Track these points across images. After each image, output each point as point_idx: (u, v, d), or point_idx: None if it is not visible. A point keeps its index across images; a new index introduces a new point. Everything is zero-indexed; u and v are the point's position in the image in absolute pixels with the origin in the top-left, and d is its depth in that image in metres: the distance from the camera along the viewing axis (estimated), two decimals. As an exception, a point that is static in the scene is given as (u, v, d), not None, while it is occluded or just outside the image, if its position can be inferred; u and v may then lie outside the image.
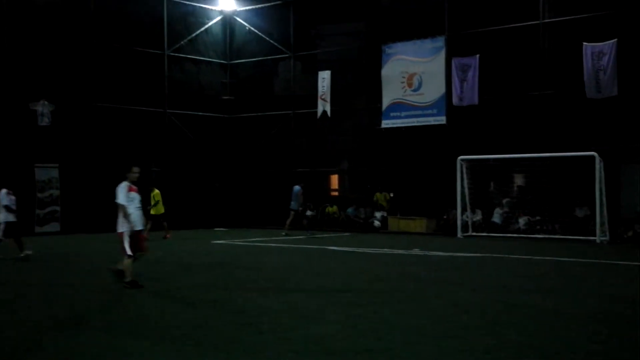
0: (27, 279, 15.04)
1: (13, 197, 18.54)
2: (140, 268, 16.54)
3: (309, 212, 32.44)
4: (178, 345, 8.46)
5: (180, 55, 33.64)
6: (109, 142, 29.99)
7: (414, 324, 9.70)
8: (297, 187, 28.38)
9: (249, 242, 24.82)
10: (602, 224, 24.22)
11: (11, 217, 18.37)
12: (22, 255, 18.25)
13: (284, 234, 27.81)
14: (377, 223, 29.95)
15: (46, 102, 28.11)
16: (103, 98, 30.10)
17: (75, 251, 21.36)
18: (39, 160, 27.97)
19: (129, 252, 12.70)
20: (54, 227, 28.20)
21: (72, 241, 24.70)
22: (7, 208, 18.30)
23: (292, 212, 28.44)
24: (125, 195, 13.14)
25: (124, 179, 13.57)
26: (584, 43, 25.39)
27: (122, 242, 12.75)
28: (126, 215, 12.84)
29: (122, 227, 12.85)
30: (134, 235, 12.86)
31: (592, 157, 24.15)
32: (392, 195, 30.41)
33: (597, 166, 24.10)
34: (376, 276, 15.14)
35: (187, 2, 33.58)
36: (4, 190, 18.47)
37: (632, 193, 26.05)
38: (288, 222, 28.39)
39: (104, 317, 10.29)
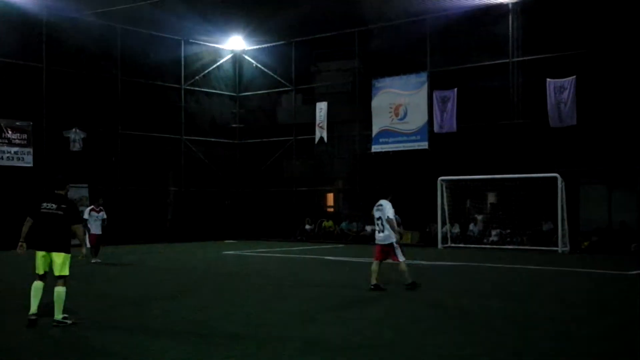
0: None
1: (95, 214, 20.41)
2: (160, 275, 16.74)
3: (307, 226, 32.63)
4: (184, 343, 8.52)
5: (195, 88, 33.85)
6: (132, 165, 30.23)
7: (399, 324, 9.83)
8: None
9: (255, 252, 24.91)
10: (563, 236, 24.37)
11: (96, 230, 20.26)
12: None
13: None
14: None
15: (78, 130, 28.35)
16: (128, 126, 30.33)
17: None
18: (71, 181, 27.90)
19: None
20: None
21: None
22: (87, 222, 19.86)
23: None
24: None
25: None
26: (548, 79, 25.64)
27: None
28: None
29: None
30: None
31: (555, 178, 24.34)
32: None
33: (559, 186, 24.27)
34: (366, 283, 15.23)
35: (202, 43, 33.84)
36: (89, 207, 20.81)
37: (589, 209, 26.25)
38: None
39: (125, 315, 10.47)
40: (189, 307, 11.49)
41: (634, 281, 16.11)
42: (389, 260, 13.55)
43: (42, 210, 9.68)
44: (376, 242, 13.54)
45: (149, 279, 16.29)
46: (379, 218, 13.34)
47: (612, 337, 9.05)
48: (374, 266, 13.43)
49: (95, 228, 20.17)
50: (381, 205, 13.44)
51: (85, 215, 20.01)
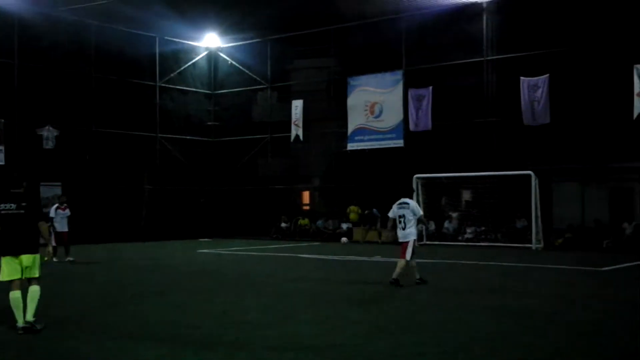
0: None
1: (61, 212, 20.19)
2: (134, 274, 16.58)
3: (283, 224, 32.53)
4: (160, 344, 8.43)
5: (170, 86, 33.58)
6: (106, 163, 29.90)
7: (376, 321, 9.82)
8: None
9: (230, 250, 24.80)
10: (537, 234, 24.54)
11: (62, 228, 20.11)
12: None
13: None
14: (344, 240, 29.46)
15: (51, 128, 28.00)
16: (102, 124, 30.00)
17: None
18: (44, 179, 27.72)
19: None
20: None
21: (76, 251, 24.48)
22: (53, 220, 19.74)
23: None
24: None
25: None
26: (521, 77, 25.83)
27: None
28: None
29: None
30: None
31: (529, 175, 24.49)
32: (361, 210, 30.37)
33: (533, 183, 24.43)
34: (342, 280, 15.24)
35: (177, 40, 33.55)
36: (54, 205, 20.44)
37: (562, 206, 26.49)
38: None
39: (100, 317, 10.32)
40: (164, 306, 11.38)
41: (606, 277, 16.30)
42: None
43: (1, 212, 9.14)
44: (400, 239, 13.84)
45: (123, 278, 16.10)
46: (403, 216, 13.67)
47: (586, 332, 9.11)
48: (412, 262, 13.83)
49: (62, 226, 20.02)
50: (407, 203, 13.81)
51: (52, 214, 19.90)
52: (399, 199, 14.12)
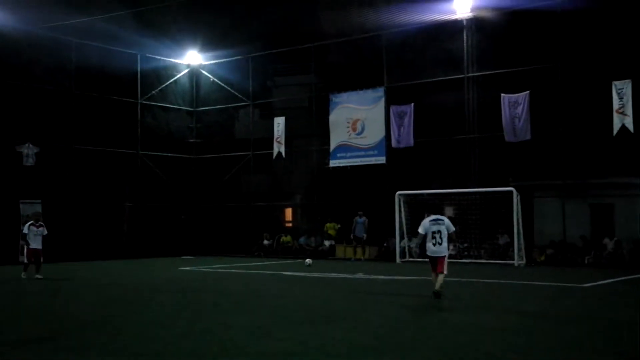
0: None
1: (34, 229, 19.98)
2: (116, 292, 16.31)
3: (265, 242, 32.32)
4: (148, 362, 8.29)
5: (152, 103, 33.39)
6: (87, 181, 29.59)
7: (358, 340, 9.64)
8: (363, 218, 28.46)
9: (212, 268, 24.56)
10: (519, 250, 24.54)
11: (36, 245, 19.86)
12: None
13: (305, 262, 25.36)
14: (308, 261, 25.56)
15: (31, 145, 27.68)
16: (82, 141, 29.71)
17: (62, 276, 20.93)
18: (24, 196, 27.42)
19: None
20: (37, 256, 27.55)
21: (56, 268, 24.15)
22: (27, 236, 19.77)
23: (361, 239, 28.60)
24: None
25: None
26: (502, 94, 25.95)
27: None
28: None
29: None
30: None
31: (510, 192, 24.54)
32: (339, 226, 30.40)
33: (515, 200, 24.46)
34: (324, 298, 15.10)
35: (158, 57, 33.42)
36: (29, 222, 20.27)
37: (543, 223, 26.54)
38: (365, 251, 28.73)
39: (79, 335, 10.07)
40: (144, 324, 11.15)
41: (589, 293, 16.26)
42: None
43: None
44: (433, 254, 14.52)
45: (102, 296, 15.82)
46: (438, 232, 14.43)
47: (570, 348, 9.01)
48: (433, 277, 14.57)
49: (36, 243, 19.88)
50: (442, 220, 14.71)
51: (25, 230, 19.95)
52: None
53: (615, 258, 24.04)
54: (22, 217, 27.09)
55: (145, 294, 16.24)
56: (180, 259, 30.03)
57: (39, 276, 19.60)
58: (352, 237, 28.84)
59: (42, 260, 20.10)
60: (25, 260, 19.97)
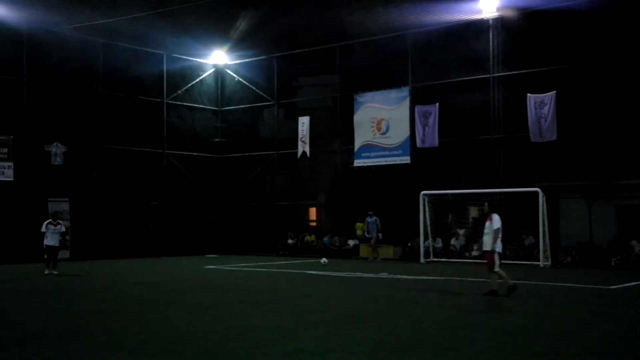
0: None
1: (52, 227, 21.11)
2: (140, 291, 16.47)
3: (289, 241, 32.40)
4: (168, 358, 8.39)
5: (177, 103, 33.64)
6: (114, 179, 29.93)
7: (380, 340, 9.65)
8: (374, 218, 27.93)
9: (236, 267, 24.68)
10: (544, 251, 24.33)
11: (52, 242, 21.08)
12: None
13: (371, 260, 27.46)
14: (324, 260, 25.64)
15: (59, 144, 28.08)
16: (109, 140, 30.04)
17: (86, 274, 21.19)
18: (52, 194, 27.81)
19: None
20: (64, 254, 27.83)
21: (82, 266, 24.44)
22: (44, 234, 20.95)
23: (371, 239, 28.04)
24: None
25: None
26: (528, 94, 25.75)
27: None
28: None
29: None
30: None
31: (536, 192, 24.34)
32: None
33: (540, 200, 24.25)
34: (348, 297, 15.11)
35: (184, 57, 33.66)
36: (46, 221, 21.32)
37: (569, 224, 26.27)
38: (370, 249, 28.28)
39: (105, 332, 10.20)
40: (168, 322, 11.25)
41: (615, 295, 16.09)
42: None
43: None
44: (501, 250, 14.90)
45: (127, 294, 16.00)
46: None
47: (596, 352, 8.93)
48: (501, 273, 14.79)
49: (53, 240, 21.03)
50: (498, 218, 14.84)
51: (43, 229, 21.05)
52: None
53: (643, 260, 23.72)
54: (50, 216, 27.49)
55: (169, 292, 16.37)
56: (205, 257, 30.21)
57: (54, 272, 20.63)
58: (366, 236, 28.51)
59: (56, 257, 21.20)
60: (45, 257, 21.08)
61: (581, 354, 8.78)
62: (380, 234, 27.98)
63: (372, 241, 27.99)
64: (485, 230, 14.90)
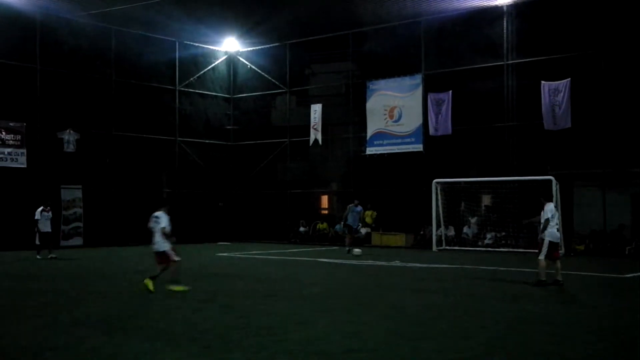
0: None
1: (45, 214, 22.06)
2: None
3: (301, 228, 32.44)
4: (184, 346, 8.41)
5: (190, 90, 33.66)
6: (126, 167, 30.03)
7: (393, 327, 9.68)
8: (359, 208, 25.53)
9: (249, 254, 24.75)
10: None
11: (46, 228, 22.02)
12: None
13: (356, 252, 24.09)
14: (357, 251, 24.20)
15: (72, 131, 28.19)
16: (122, 128, 30.13)
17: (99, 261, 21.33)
18: (65, 182, 27.96)
19: None
20: (77, 241, 28.10)
21: (95, 253, 24.59)
22: (38, 222, 21.89)
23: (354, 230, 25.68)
24: None
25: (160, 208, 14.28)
26: (542, 81, 25.58)
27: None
28: None
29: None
30: None
31: (550, 180, 24.21)
32: (376, 214, 30.29)
33: (554, 188, 24.14)
34: (361, 285, 15.13)
35: (196, 44, 33.66)
36: (39, 208, 22.10)
37: (583, 212, 26.15)
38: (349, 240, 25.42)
39: (120, 318, 10.27)
40: (183, 309, 11.31)
41: (629, 284, 16.02)
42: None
43: None
44: (555, 239, 14.74)
45: (139, 281, 16.06)
46: (558, 217, 14.96)
47: (609, 339, 8.92)
48: (548, 263, 14.67)
49: (46, 226, 22.03)
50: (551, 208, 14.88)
51: (37, 216, 21.91)
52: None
53: (657, 249, 23.61)
54: (63, 202, 27.68)
55: (183, 279, 16.42)
56: (217, 245, 30.31)
57: (53, 255, 21.61)
58: (343, 224, 26.42)
59: (51, 241, 22.39)
60: (38, 242, 22.03)
61: (595, 342, 8.76)
62: (360, 225, 26.50)
63: (355, 233, 26.01)
64: (540, 220, 14.91)
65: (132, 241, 28.56)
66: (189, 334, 9.16)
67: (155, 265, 13.72)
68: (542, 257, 14.58)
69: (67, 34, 28.19)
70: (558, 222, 14.77)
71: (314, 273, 18.16)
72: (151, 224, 13.74)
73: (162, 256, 13.48)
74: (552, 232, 14.61)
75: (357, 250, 23.85)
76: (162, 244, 13.58)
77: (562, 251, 24.02)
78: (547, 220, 14.56)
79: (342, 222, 26.78)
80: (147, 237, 14.39)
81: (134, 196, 30.20)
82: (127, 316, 10.65)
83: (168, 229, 13.57)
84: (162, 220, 13.67)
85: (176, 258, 13.55)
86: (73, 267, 19.41)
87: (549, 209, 14.68)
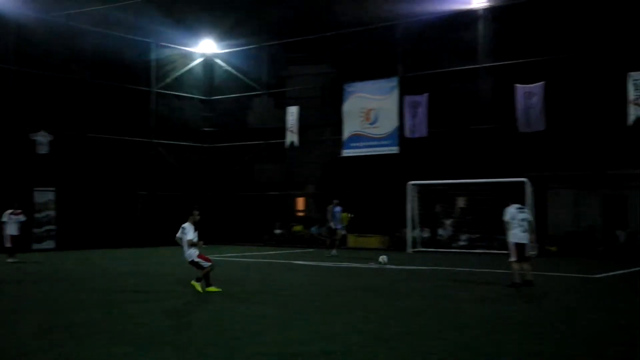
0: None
1: (14, 217, 21.62)
2: (132, 281, 16.42)
3: (277, 231, 32.39)
4: (160, 349, 8.33)
5: (166, 92, 33.45)
6: (101, 169, 29.75)
7: (369, 329, 9.70)
8: (339, 208, 25.57)
9: (224, 256, 24.65)
10: (532, 240, 24.38)
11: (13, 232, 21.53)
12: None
13: (333, 253, 24.41)
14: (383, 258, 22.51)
15: (45, 133, 27.85)
16: (96, 129, 29.82)
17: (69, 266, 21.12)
18: (38, 184, 27.64)
19: None
20: (50, 244, 27.76)
21: (67, 256, 24.35)
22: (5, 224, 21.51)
23: (338, 232, 25.63)
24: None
25: (186, 220, 14.45)
26: (516, 84, 25.81)
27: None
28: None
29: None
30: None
31: (524, 182, 24.43)
32: (352, 215, 30.29)
33: (528, 190, 24.38)
34: (336, 287, 15.14)
35: (173, 46, 33.48)
36: (8, 211, 21.66)
37: (556, 213, 26.42)
38: (336, 242, 25.49)
39: (88, 322, 10.17)
40: (155, 313, 11.23)
41: (601, 284, 16.22)
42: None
43: None
44: (518, 240, 14.71)
45: (116, 283, 15.95)
46: (524, 219, 14.76)
47: (581, 338, 9.01)
48: (519, 265, 14.72)
49: (13, 229, 21.58)
50: (526, 209, 15.19)
51: (4, 218, 21.55)
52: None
53: (628, 249, 23.93)
54: (35, 205, 27.36)
55: (156, 281, 16.33)
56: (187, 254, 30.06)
57: (13, 260, 21.08)
58: (330, 228, 26.14)
59: (17, 245, 21.74)
60: (8, 245, 21.50)
61: (569, 342, 8.85)
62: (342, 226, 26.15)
63: (339, 234, 25.95)
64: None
65: (106, 244, 28.34)
66: (161, 337, 9.09)
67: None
68: (512, 259, 14.76)
69: (41, 35, 27.87)
70: (525, 224, 14.67)
71: (289, 275, 18.12)
72: (178, 235, 14.24)
73: (196, 265, 13.97)
74: (515, 234, 14.72)
75: (383, 258, 23.33)
76: (190, 254, 13.97)
77: (534, 252, 24.29)
78: (507, 223, 14.76)
79: (327, 225, 26.44)
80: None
81: (108, 199, 29.97)
82: (97, 321, 10.55)
83: (194, 239, 14.01)
84: (188, 231, 14.08)
85: (205, 264, 13.90)
86: (43, 271, 19.19)
87: (509, 212, 14.82)
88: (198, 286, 13.71)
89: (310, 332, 9.41)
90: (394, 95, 29.33)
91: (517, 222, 14.66)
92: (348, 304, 12.31)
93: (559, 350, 8.41)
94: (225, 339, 8.93)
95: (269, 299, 13.00)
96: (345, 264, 21.06)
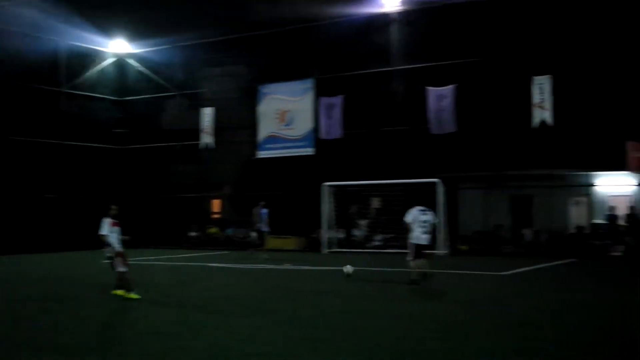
0: None
1: None
2: (52, 288, 15.93)
3: (192, 233, 32.03)
4: (72, 355, 8.17)
5: (76, 92, 32.53)
6: (5, 172, 28.60)
7: (289, 330, 9.75)
8: (265, 210, 25.20)
9: (138, 260, 24.17)
10: (443, 240, 25.08)
11: None
12: None
13: (265, 257, 23.92)
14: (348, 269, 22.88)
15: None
16: (1, 131, 28.68)
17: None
18: None
19: None
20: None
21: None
22: None
23: (265, 234, 25.25)
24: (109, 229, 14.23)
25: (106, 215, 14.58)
26: (428, 87, 26.42)
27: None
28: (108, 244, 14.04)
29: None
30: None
31: (435, 183, 25.04)
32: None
33: (439, 191, 24.99)
34: (253, 289, 15.13)
35: (83, 45, 32.58)
36: None
37: (467, 213, 27.21)
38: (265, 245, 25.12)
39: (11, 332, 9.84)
40: (73, 319, 10.99)
41: (508, 280, 16.84)
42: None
43: None
44: (420, 242, 15.13)
45: (20, 291, 15.43)
46: (426, 221, 15.19)
47: (492, 332, 9.33)
48: (415, 263, 15.17)
49: None
50: (428, 211, 15.50)
51: None
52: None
53: (533, 247, 24.91)
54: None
55: (69, 288, 15.93)
56: (105, 251, 29.35)
57: None
58: (257, 230, 25.46)
59: None
60: None
61: (480, 335, 9.16)
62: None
63: (266, 235, 25.58)
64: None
65: (13, 250, 27.33)
66: (78, 343, 8.90)
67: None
68: (409, 258, 15.26)
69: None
70: (427, 225, 15.14)
71: (205, 278, 18.00)
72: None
73: (112, 265, 14.10)
74: (417, 236, 15.14)
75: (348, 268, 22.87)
76: (109, 250, 14.35)
77: (446, 251, 24.94)
78: (409, 224, 15.21)
79: (256, 229, 25.54)
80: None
81: (15, 202, 28.91)
82: (25, 328, 10.23)
83: (111, 236, 14.33)
84: (103, 226, 14.47)
85: (120, 269, 13.90)
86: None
87: (411, 213, 15.29)
88: (121, 292, 13.53)
89: (229, 335, 9.40)
90: (309, 97, 29.51)
91: (418, 224, 15.09)
92: (265, 305, 12.34)
93: (470, 343, 8.68)
94: (142, 343, 8.83)
95: (185, 302, 12.88)
96: (260, 266, 21.04)
